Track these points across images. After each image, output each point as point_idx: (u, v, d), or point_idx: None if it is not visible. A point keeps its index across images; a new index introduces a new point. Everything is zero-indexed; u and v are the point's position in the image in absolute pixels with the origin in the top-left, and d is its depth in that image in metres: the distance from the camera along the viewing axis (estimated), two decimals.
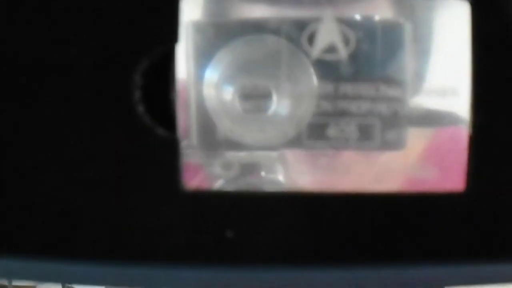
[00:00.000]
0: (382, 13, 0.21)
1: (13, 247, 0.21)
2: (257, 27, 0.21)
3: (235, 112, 0.21)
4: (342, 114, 0.21)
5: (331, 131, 0.21)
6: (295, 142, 0.21)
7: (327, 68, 0.21)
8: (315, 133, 0.21)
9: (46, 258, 0.21)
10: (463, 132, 0.21)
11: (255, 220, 0.22)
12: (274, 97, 0.21)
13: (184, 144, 0.21)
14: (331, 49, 0.21)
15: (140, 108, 0.21)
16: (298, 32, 0.21)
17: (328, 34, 0.21)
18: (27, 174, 0.21)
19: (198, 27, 0.21)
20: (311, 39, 0.21)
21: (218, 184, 0.21)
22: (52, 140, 0.21)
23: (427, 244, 0.21)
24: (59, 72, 0.21)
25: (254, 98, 0.21)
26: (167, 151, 0.21)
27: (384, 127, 0.21)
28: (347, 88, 0.21)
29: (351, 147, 0.21)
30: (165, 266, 0.21)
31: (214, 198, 0.21)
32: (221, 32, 0.21)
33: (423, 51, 0.21)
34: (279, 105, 0.21)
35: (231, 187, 0.21)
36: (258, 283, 0.21)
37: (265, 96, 0.21)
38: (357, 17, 0.21)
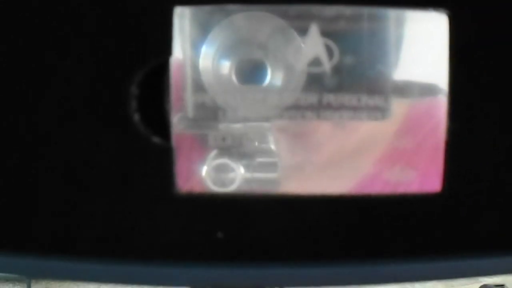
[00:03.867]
0: (364, 26, 0.22)
1: (12, 245, 0.23)
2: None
3: (232, 85, 0.22)
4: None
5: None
6: (284, 113, 0.22)
7: (311, 80, 0.22)
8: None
9: (41, 256, 0.22)
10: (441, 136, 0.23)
11: (245, 221, 0.23)
12: (269, 70, 0.22)
13: (179, 116, 0.22)
14: (315, 62, 0.22)
15: (136, 117, 0.23)
16: (284, 45, 0.22)
17: (312, 48, 0.22)
18: (27, 177, 0.23)
19: (195, 6, 0.22)
20: (296, 52, 0.22)
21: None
22: (51, 146, 0.22)
23: (405, 242, 0.23)
24: (57, 81, 0.22)
25: (250, 71, 0.22)
26: (162, 157, 0.22)
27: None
28: (330, 98, 0.22)
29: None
30: (159, 265, 0.22)
31: (206, 201, 0.23)
32: (216, 10, 0.22)
33: (403, 62, 0.22)
34: (273, 77, 0.22)
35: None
36: (249, 281, 0.23)
37: (260, 69, 0.22)
38: (341, 30, 0.22)
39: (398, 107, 0.22)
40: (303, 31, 0.22)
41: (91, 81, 0.22)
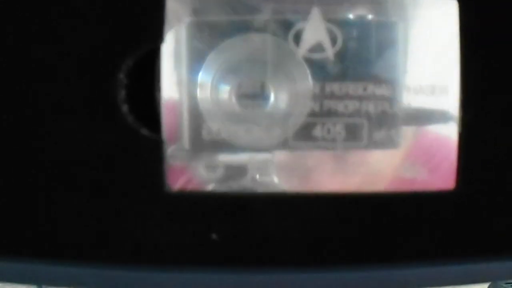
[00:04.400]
0: (369, 11, 0.21)
1: None
2: (246, 27, 0.20)
3: (232, 111, 0.21)
4: (329, 114, 0.21)
5: (318, 132, 0.21)
6: (286, 143, 0.21)
7: (313, 67, 0.21)
8: (303, 134, 0.21)
9: (26, 259, 0.21)
10: (453, 130, 0.21)
11: (240, 222, 0.21)
12: (272, 92, 0.21)
13: (174, 148, 0.21)
14: (318, 48, 0.21)
15: (125, 108, 0.21)
16: (285, 31, 0.21)
17: (315, 33, 0.21)
18: (10, 174, 0.21)
19: (190, 30, 0.20)
20: (297, 38, 0.21)
21: (209, 187, 0.21)
22: (34, 140, 0.21)
23: (419, 243, 0.21)
24: (43, 71, 0.21)
25: (252, 95, 0.21)
26: (152, 151, 0.21)
27: (371, 127, 0.21)
28: (334, 87, 0.21)
29: (338, 148, 0.21)
30: (149, 267, 0.20)
31: (199, 200, 0.21)
32: (213, 33, 0.20)
33: (412, 50, 0.21)
34: (277, 99, 0.21)
35: (220, 189, 0.21)
36: (243, 285, 0.21)
37: (263, 92, 0.21)
38: (345, 15, 0.21)
39: (407, 98, 0.21)
40: (304, 16, 0.21)
41: (78, 70, 0.21)
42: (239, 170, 0.21)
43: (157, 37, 0.21)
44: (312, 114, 0.21)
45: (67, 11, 0.21)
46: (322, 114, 0.21)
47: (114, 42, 0.21)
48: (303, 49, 0.21)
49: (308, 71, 0.20)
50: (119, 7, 0.21)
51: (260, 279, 0.20)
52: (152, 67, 0.21)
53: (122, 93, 0.21)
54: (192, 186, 0.21)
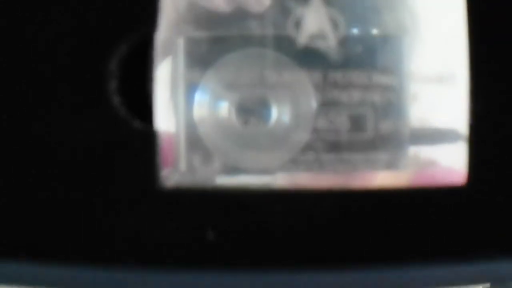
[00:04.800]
0: None
1: None
2: (245, 42, 0.20)
3: (232, 129, 0.20)
4: (332, 104, 0.20)
5: (321, 123, 0.20)
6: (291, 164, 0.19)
7: (315, 56, 0.20)
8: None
9: (15, 260, 0.19)
10: (462, 121, 0.20)
11: (238, 220, 0.20)
12: (274, 108, 0.20)
13: (170, 170, 0.19)
14: (319, 35, 0.20)
15: (116, 99, 0.20)
16: (284, 18, 0.20)
17: (315, 20, 0.20)
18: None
19: (187, 47, 0.20)
20: (297, 25, 0.20)
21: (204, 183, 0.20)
22: (21, 132, 0.20)
23: (429, 242, 0.20)
24: (30, 59, 0.20)
25: (253, 110, 0.20)
26: (144, 144, 0.20)
27: (377, 117, 0.20)
28: (337, 76, 0.20)
29: (342, 139, 0.20)
30: (141, 267, 0.19)
31: (194, 196, 0.20)
32: (211, 49, 0.19)
33: (417, 37, 0.20)
34: (279, 116, 0.20)
35: (216, 185, 0.20)
36: (239, 286, 0.19)
37: (264, 107, 0.20)
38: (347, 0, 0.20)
39: (413, 87, 0.20)
40: (304, 1, 0.20)
41: (67, 58, 0.20)
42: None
43: (151, 26, 0.20)
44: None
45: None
46: (324, 104, 0.20)
47: (105, 31, 0.20)
48: (303, 37, 0.20)
49: (310, 86, 0.19)
50: None
51: (257, 279, 0.19)
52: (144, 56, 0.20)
53: (113, 84, 0.20)
54: (186, 182, 0.20)
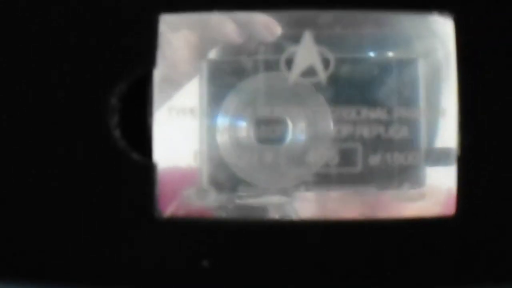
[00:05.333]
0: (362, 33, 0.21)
1: None
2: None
3: (252, 147, 0.20)
4: (322, 138, 0.20)
5: (311, 157, 0.20)
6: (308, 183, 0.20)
7: (305, 92, 0.20)
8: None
9: (16, 283, 0.20)
10: (451, 154, 0.20)
11: (234, 249, 0.21)
12: (290, 124, 0.20)
13: (191, 189, 0.20)
14: (310, 72, 0.20)
15: (117, 133, 0.21)
16: (276, 56, 0.20)
17: (306, 57, 0.20)
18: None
19: (211, 70, 0.20)
20: (289, 63, 0.20)
21: (201, 213, 0.21)
22: (23, 162, 0.21)
23: (419, 271, 0.20)
24: (35, 93, 0.21)
25: (270, 129, 0.20)
26: (143, 176, 0.21)
27: (366, 152, 0.20)
28: (326, 111, 0.20)
29: (332, 174, 0.20)
30: None
31: (190, 226, 0.21)
32: (232, 73, 0.20)
33: (406, 71, 0.20)
34: (295, 134, 0.20)
35: (212, 214, 0.21)
36: None
37: (281, 126, 0.20)
38: (338, 39, 0.20)
39: (402, 121, 0.20)
40: (296, 39, 0.20)
41: (68, 94, 0.21)
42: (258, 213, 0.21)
43: (150, 62, 0.21)
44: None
45: (59, 33, 0.21)
46: (314, 139, 0.20)
47: (106, 66, 0.21)
48: (294, 74, 0.20)
49: (329, 110, 0.20)
50: (111, 31, 0.21)
51: None
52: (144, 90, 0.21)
53: (114, 118, 0.21)
54: (183, 212, 0.21)
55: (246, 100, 0.20)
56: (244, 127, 0.21)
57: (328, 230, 0.21)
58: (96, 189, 0.21)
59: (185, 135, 0.21)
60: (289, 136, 0.20)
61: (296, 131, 0.20)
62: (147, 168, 0.20)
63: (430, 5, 0.20)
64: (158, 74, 0.21)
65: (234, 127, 0.21)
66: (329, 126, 0.20)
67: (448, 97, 0.20)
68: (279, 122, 0.20)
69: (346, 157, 0.20)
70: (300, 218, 0.21)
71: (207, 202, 0.20)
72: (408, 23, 0.21)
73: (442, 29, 0.20)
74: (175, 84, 0.21)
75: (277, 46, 0.20)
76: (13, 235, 0.21)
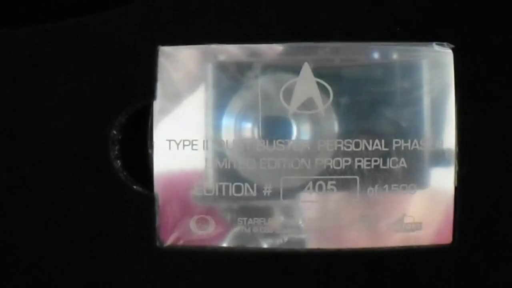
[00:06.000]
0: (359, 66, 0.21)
1: None
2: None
3: (257, 146, 0.20)
4: (320, 171, 0.20)
5: (309, 189, 0.20)
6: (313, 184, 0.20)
7: (304, 124, 0.20)
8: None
9: None
10: (449, 184, 0.20)
11: (234, 279, 0.21)
12: (294, 124, 0.21)
13: (198, 190, 0.21)
14: (309, 104, 0.20)
15: (117, 165, 0.21)
16: (276, 89, 0.20)
17: (305, 89, 0.20)
18: (3, 229, 0.21)
19: (216, 72, 0.21)
20: (288, 95, 0.20)
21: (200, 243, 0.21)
22: (26, 195, 0.21)
23: None
24: (34, 125, 0.21)
25: (275, 129, 0.20)
26: (143, 207, 0.21)
27: (364, 183, 0.20)
28: (325, 144, 0.20)
29: (330, 204, 0.20)
30: None
31: (190, 255, 0.21)
32: (237, 73, 0.21)
33: (405, 103, 0.21)
34: (299, 132, 0.21)
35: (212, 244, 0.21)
36: None
37: (285, 126, 0.20)
38: (337, 69, 0.20)
39: (401, 152, 0.20)
40: (295, 71, 0.20)
41: (69, 126, 0.21)
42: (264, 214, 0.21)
43: (149, 94, 0.21)
44: (303, 171, 0.20)
45: (61, 68, 0.21)
46: (313, 172, 0.20)
47: (106, 99, 0.21)
48: (293, 106, 0.20)
49: (334, 116, 0.20)
50: (112, 65, 0.21)
51: None
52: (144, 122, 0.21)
53: (115, 150, 0.21)
54: (183, 242, 0.21)
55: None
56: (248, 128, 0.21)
57: (326, 259, 0.21)
58: (98, 220, 0.21)
59: (184, 166, 0.21)
60: (294, 136, 0.21)
61: (299, 132, 0.20)
62: (148, 199, 0.21)
63: (430, 36, 0.20)
64: (157, 105, 0.21)
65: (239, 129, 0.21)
66: (334, 128, 0.20)
67: (447, 128, 0.20)
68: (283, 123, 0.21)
69: (344, 188, 0.20)
70: (299, 248, 0.21)
71: (207, 232, 0.21)
72: (406, 54, 0.21)
73: (442, 60, 0.20)
74: (175, 115, 0.21)
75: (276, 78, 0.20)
76: (15, 268, 0.21)
